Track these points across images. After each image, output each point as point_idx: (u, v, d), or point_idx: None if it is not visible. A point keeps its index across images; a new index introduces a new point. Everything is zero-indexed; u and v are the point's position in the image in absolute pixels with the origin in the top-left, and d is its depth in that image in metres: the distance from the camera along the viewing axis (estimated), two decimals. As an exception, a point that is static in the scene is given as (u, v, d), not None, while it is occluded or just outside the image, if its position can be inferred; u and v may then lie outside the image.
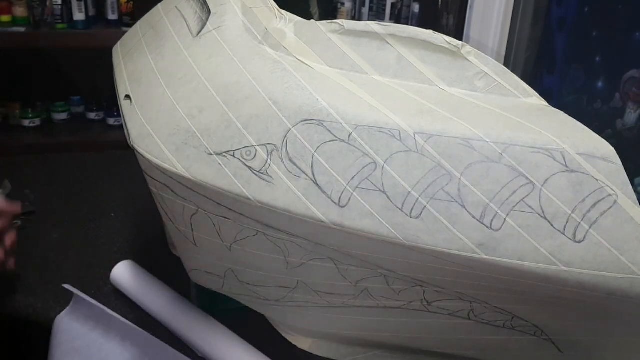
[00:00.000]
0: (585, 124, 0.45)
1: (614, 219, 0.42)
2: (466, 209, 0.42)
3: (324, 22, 0.52)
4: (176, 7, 0.61)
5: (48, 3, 1.68)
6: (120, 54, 0.63)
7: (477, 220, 0.42)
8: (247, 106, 0.46)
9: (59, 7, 1.68)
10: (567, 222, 0.42)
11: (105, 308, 0.63)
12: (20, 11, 1.69)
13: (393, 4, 1.89)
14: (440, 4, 1.75)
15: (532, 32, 1.43)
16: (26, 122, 1.85)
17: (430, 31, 0.49)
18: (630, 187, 0.42)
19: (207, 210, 0.50)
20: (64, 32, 1.69)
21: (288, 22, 0.54)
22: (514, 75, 0.49)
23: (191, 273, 0.62)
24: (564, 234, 0.42)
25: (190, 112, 0.47)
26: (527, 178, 0.42)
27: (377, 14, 1.94)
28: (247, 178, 0.45)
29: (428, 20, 1.82)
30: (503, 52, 1.48)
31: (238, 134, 0.46)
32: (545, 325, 0.53)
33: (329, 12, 1.91)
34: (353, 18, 1.99)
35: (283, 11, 0.56)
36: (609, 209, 0.42)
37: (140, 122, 0.49)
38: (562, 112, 0.47)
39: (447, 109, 0.46)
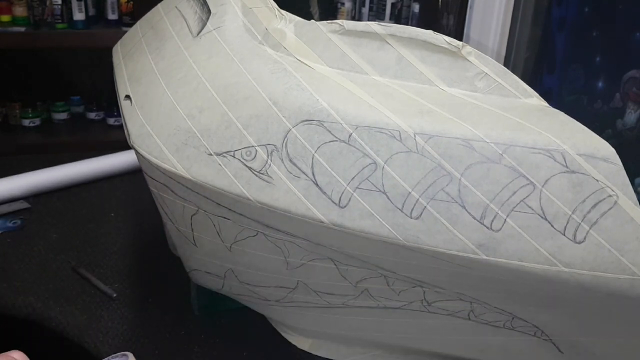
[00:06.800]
0: (585, 124, 0.45)
1: (614, 220, 0.42)
2: (466, 210, 0.42)
3: (324, 22, 0.51)
4: (176, 7, 0.61)
5: (48, 3, 1.68)
6: (120, 54, 0.62)
7: (477, 220, 0.42)
8: (247, 106, 0.46)
9: (59, 7, 1.68)
10: (567, 223, 0.42)
11: None
12: (20, 11, 1.69)
13: (393, 4, 1.89)
14: (440, 4, 1.74)
15: (532, 32, 1.43)
16: (26, 122, 1.85)
17: (430, 31, 0.49)
18: (631, 187, 0.42)
19: (207, 211, 0.50)
20: (64, 32, 1.69)
21: (288, 22, 0.54)
22: (514, 76, 0.49)
23: (191, 273, 0.62)
24: (564, 235, 0.42)
25: (190, 112, 0.47)
26: (527, 179, 0.42)
27: (377, 14, 1.94)
28: (247, 178, 0.45)
29: (428, 20, 1.82)
30: (503, 52, 1.48)
31: (238, 134, 0.45)
32: (545, 325, 0.53)
33: (329, 12, 1.91)
34: (353, 18, 1.99)
35: (283, 11, 0.56)
36: (610, 209, 0.42)
37: (140, 122, 0.49)
38: (562, 113, 0.47)
39: (448, 110, 0.46)
